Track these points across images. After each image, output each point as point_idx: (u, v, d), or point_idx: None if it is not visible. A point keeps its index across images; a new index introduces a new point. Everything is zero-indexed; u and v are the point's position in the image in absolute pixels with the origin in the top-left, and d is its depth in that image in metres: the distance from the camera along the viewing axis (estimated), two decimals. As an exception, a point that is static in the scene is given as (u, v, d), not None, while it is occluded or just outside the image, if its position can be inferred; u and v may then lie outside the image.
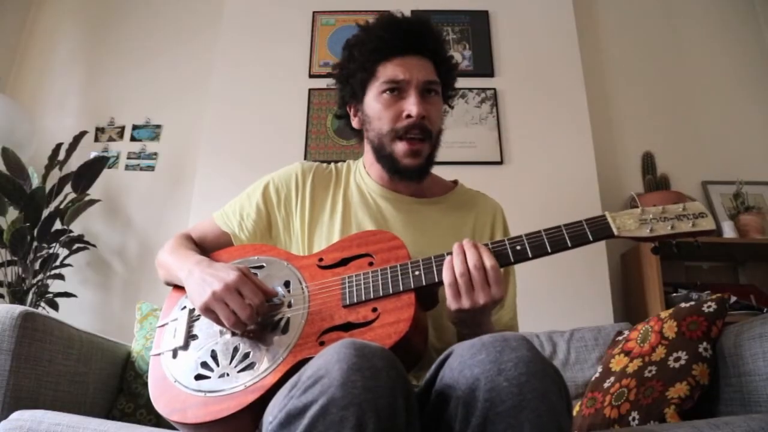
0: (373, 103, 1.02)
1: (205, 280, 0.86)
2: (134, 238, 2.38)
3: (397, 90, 1.00)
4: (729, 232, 2.15)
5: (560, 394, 0.63)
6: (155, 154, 2.50)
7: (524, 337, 0.67)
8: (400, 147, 1.00)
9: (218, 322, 0.86)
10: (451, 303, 0.81)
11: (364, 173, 1.11)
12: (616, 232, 0.81)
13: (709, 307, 1.19)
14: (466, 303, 0.79)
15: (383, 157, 1.03)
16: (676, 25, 2.71)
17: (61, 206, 2.15)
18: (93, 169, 2.19)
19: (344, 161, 1.17)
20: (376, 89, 1.01)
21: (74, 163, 2.20)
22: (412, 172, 1.01)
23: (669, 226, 0.81)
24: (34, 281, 2.09)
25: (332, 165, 1.15)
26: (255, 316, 0.84)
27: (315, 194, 1.08)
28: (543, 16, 2.50)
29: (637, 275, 2.10)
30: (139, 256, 2.35)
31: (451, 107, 1.15)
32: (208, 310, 0.85)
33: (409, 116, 0.98)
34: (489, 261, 0.80)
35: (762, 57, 2.66)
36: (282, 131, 2.33)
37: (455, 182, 1.17)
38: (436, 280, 0.84)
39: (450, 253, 0.84)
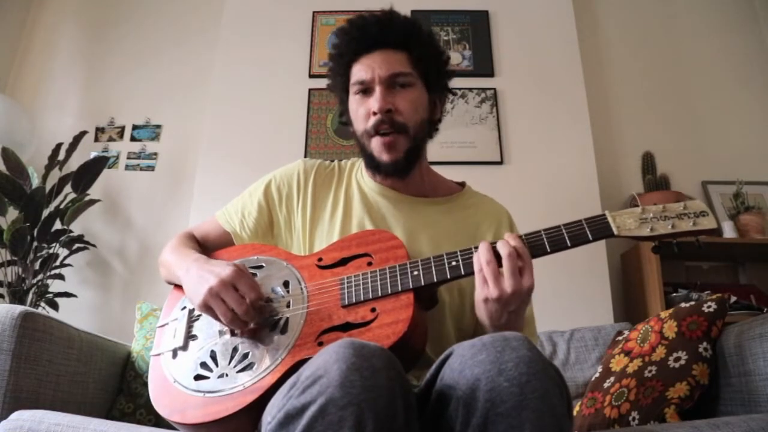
0: (352, 104, 1.03)
1: (202, 276, 0.86)
2: (134, 238, 2.38)
3: (366, 90, 1.00)
4: (729, 232, 2.15)
5: (561, 395, 0.63)
6: (155, 154, 2.50)
7: (525, 337, 0.66)
8: (375, 143, 0.99)
9: (217, 319, 0.86)
10: (479, 292, 0.79)
11: (365, 172, 1.10)
12: (615, 232, 0.80)
13: (709, 307, 1.19)
14: (493, 292, 0.77)
15: (366, 156, 1.03)
16: (676, 25, 2.71)
17: (61, 206, 2.14)
18: (93, 169, 2.19)
19: (347, 159, 1.16)
20: (352, 91, 1.02)
21: (74, 163, 2.20)
22: (389, 166, 0.99)
23: (669, 225, 0.80)
24: (34, 281, 2.09)
25: (335, 162, 1.14)
26: (252, 312, 0.84)
27: (317, 193, 1.07)
28: (543, 16, 2.50)
29: (637, 275, 2.10)
30: (139, 256, 2.35)
31: (453, 93, 1.12)
32: (206, 307, 0.85)
33: (374, 113, 0.97)
34: (520, 250, 0.79)
35: (762, 57, 2.65)
36: (282, 131, 2.33)
37: (462, 184, 1.15)
38: (435, 280, 0.84)
39: (468, 250, 0.84)
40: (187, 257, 0.96)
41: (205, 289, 0.84)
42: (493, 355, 0.63)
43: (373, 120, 0.97)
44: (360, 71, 1.00)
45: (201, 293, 0.84)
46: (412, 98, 1.00)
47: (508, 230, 1.07)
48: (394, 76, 0.98)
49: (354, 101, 1.02)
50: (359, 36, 1.01)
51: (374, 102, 0.97)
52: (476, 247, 0.83)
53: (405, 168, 1.01)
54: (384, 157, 0.98)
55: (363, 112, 0.99)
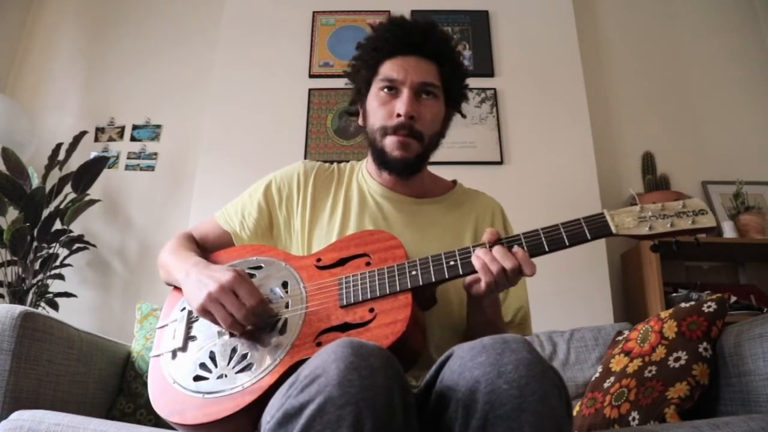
0: (372, 99, 1.04)
1: (201, 281, 0.86)
2: (134, 238, 2.38)
3: (393, 89, 1.01)
4: (729, 232, 2.15)
5: (560, 397, 0.63)
6: (155, 154, 2.50)
7: (525, 339, 0.67)
8: (389, 141, 1.00)
9: (216, 323, 0.86)
10: (485, 294, 0.84)
11: (366, 174, 1.11)
12: (614, 230, 0.80)
13: (709, 307, 1.19)
14: (497, 292, 0.85)
15: (376, 151, 1.04)
16: (676, 25, 2.71)
17: (61, 206, 2.15)
18: (93, 169, 2.19)
19: (346, 161, 1.17)
20: (376, 86, 1.03)
21: (74, 163, 2.20)
22: (397, 163, 1.01)
23: (668, 223, 0.80)
24: (34, 281, 2.09)
25: (335, 165, 1.15)
26: (251, 317, 0.84)
27: (316, 194, 1.08)
28: (543, 16, 2.50)
29: (637, 275, 2.10)
30: (139, 256, 2.35)
31: (463, 115, 1.14)
32: (205, 312, 0.85)
33: (399, 115, 0.98)
34: (520, 261, 0.81)
35: (762, 57, 2.65)
36: (282, 131, 2.33)
37: (454, 182, 1.17)
38: (433, 279, 0.84)
39: (466, 249, 0.84)
40: (187, 261, 0.95)
41: (204, 294, 0.84)
42: (493, 357, 0.63)
43: (395, 121, 0.99)
44: (391, 70, 1.01)
45: (200, 298, 0.84)
46: (434, 110, 1.03)
47: (501, 222, 1.11)
48: (424, 84, 1.01)
49: (377, 96, 1.03)
50: (401, 36, 1.03)
51: (401, 105, 0.98)
52: (474, 247, 0.84)
53: (413, 168, 1.03)
54: (396, 153, 1.00)
55: (386, 110, 1.01)
